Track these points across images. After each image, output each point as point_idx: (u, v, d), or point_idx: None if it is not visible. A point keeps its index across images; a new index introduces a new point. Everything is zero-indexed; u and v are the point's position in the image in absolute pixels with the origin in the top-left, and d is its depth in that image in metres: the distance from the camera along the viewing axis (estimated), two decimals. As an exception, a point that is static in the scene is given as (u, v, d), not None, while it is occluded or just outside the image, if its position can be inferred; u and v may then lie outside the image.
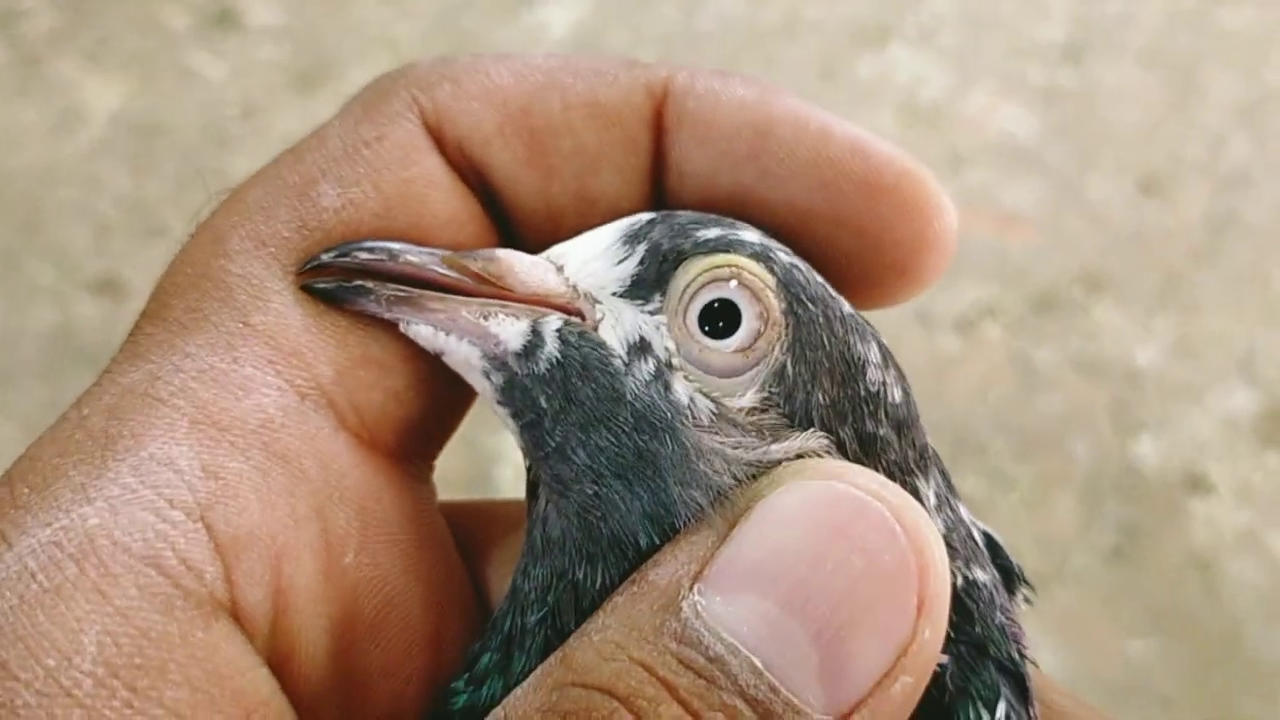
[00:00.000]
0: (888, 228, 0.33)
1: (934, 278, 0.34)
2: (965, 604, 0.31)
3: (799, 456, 0.30)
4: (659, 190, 0.35)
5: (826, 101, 1.48)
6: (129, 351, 0.30)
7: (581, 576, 0.30)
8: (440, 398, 0.33)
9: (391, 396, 0.32)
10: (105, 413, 0.29)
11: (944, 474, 0.33)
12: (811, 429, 0.30)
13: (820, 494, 0.28)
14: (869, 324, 0.32)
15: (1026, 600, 0.33)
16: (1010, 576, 0.33)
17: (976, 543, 0.32)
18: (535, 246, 0.33)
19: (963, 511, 0.32)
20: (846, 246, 0.33)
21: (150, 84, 1.52)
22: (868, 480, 0.28)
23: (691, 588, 0.27)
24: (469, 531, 0.36)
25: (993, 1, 1.67)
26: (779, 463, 0.30)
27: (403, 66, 0.34)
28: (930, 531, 0.28)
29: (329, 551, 0.30)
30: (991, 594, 0.31)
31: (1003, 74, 1.59)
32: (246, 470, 0.29)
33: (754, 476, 0.30)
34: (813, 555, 0.27)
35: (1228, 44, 1.62)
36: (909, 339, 1.31)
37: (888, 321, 1.42)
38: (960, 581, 0.30)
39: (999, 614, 0.31)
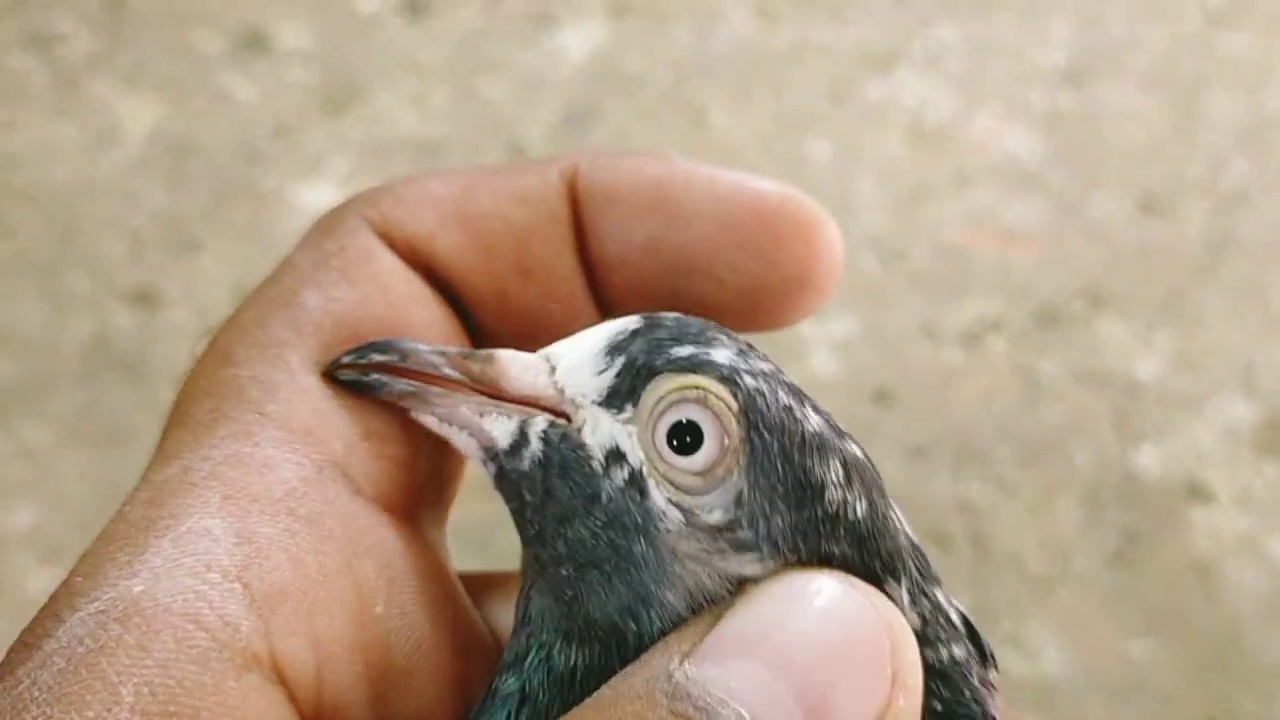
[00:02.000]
0: (780, 245, 0.37)
1: (827, 289, 0.37)
2: (943, 681, 0.32)
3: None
4: (584, 253, 0.38)
5: (836, 125, 1.57)
6: (160, 456, 0.32)
7: (557, 651, 0.32)
8: (438, 463, 0.36)
9: (396, 464, 0.34)
10: (145, 504, 0.31)
11: (921, 566, 0.33)
12: (780, 554, 0.32)
13: (801, 582, 0.30)
14: (839, 435, 0.33)
15: (990, 680, 0.34)
16: (983, 654, 0.34)
17: (954, 624, 0.33)
18: (487, 317, 0.38)
19: (939, 596, 0.33)
20: (750, 269, 0.37)
21: (184, 105, 1.56)
22: (842, 577, 0.31)
23: (682, 663, 0.29)
24: (479, 595, 0.38)
25: (997, 27, 1.69)
26: (752, 575, 0.31)
27: (349, 197, 0.38)
28: (898, 616, 0.30)
29: (359, 602, 0.31)
30: (966, 668, 0.33)
31: (1007, 97, 1.61)
32: (276, 534, 0.30)
33: (731, 579, 0.31)
34: (796, 624, 0.29)
35: (1228, 69, 1.64)
36: (916, 351, 1.33)
37: (894, 336, 1.44)
38: (934, 661, 0.32)
39: (972, 687, 0.33)
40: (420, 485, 0.36)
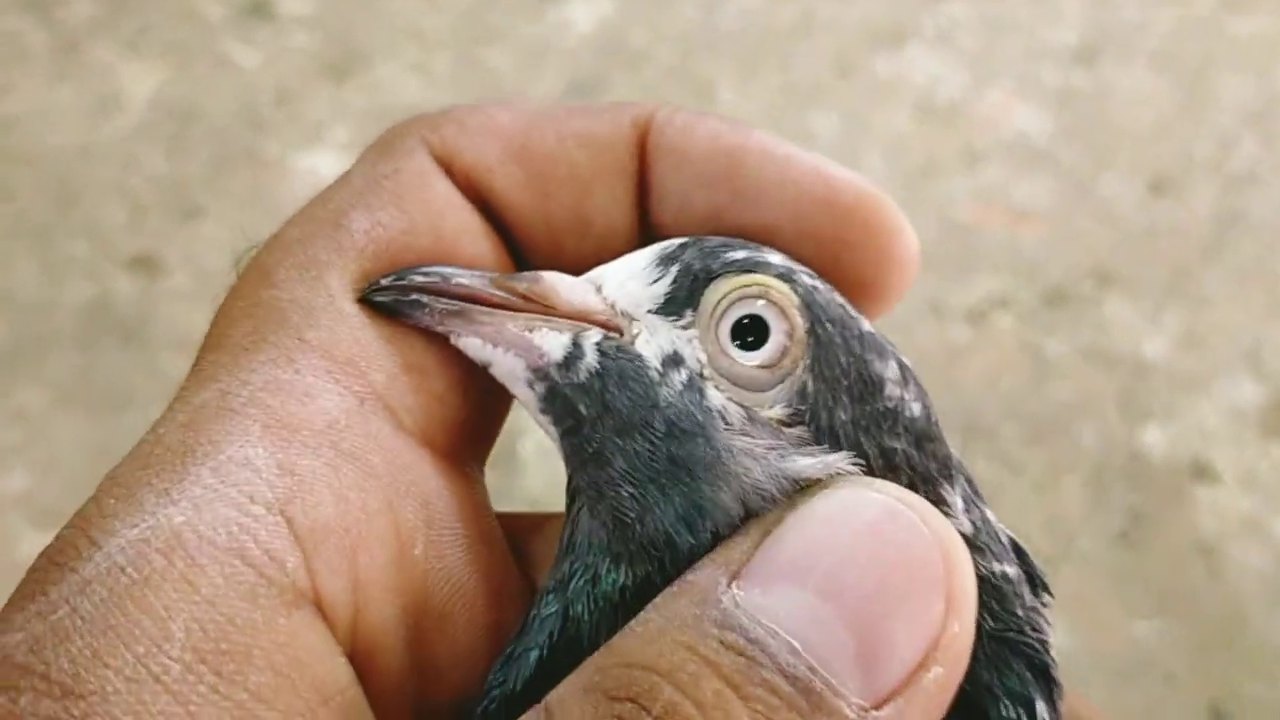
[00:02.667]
0: (849, 247, 0.35)
1: (897, 295, 0.36)
2: (994, 594, 0.32)
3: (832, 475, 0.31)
4: (643, 211, 0.37)
5: (844, 99, 1.55)
6: (195, 378, 0.32)
7: (604, 573, 0.31)
8: (479, 400, 0.35)
9: (435, 399, 0.34)
10: (181, 428, 0.30)
11: (970, 480, 0.34)
12: (841, 451, 0.31)
13: (852, 499, 0.29)
14: (888, 342, 0.33)
15: (1044, 605, 0.33)
16: (1034, 580, 0.33)
17: (1003, 544, 0.33)
18: (538, 265, 0.36)
19: (989, 513, 0.33)
20: (814, 264, 0.35)
21: (186, 71, 1.54)
22: (896, 489, 0.30)
23: (730, 584, 0.28)
24: (517, 537, 0.37)
25: (1009, 4, 1.68)
26: (808, 476, 0.31)
27: (412, 116, 0.37)
28: (955, 536, 0.29)
29: (400, 543, 0.31)
30: (1017, 588, 0.32)
31: (1018, 75, 1.59)
32: (319, 467, 0.30)
33: (785, 479, 0.31)
34: (847, 549, 0.28)
35: (1238, 50, 1.63)
36: (923, 329, 1.31)
37: (901, 312, 1.42)
38: (987, 573, 0.31)
39: (1025, 608, 0.32)
40: (462, 422, 0.35)
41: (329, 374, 0.32)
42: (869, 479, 0.31)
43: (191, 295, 1.30)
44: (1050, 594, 0.33)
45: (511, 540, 0.36)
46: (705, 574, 0.29)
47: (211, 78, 1.54)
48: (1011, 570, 0.32)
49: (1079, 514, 1.20)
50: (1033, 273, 1.38)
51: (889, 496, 0.29)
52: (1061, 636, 1.05)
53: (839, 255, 0.35)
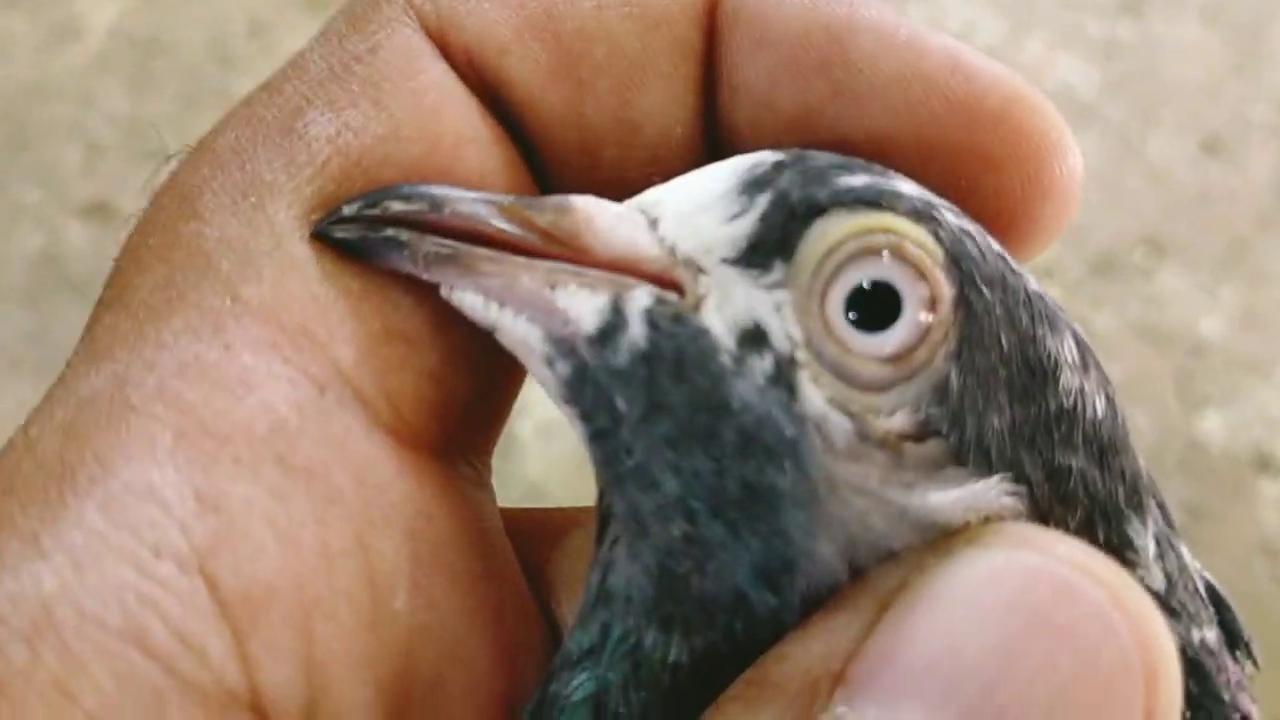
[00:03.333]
0: (992, 167, 0.27)
1: (1051, 236, 0.28)
2: (1194, 673, 0.25)
3: (980, 519, 0.24)
4: (711, 110, 0.29)
5: None
6: (85, 352, 0.25)
7: (650, 645, 0.24)
8: (485, 374, 0.28)
9: (426, 378, 0.26)
10: (60, 433, 0.23)
11: (1162, 506, 0.26)
12: (994, 475, 0.24)
13: (1010, 568, 0.22)
14: (1059, 306, 0.26)
15: (1246, 675, 0.27)
16: (1234, 638, 0.27)
17: (1202, 596, 0.26)
18: (567, 184, 0.28)
19: (1185, 554, 0.26)
20: (947, 182, 0.27)
21: None
22: (1071, 550, 0.22)
23: (832, 694, 0.22)
24: (532, 551, 0.30)
25: (1050, -54, 1.62)
26: (947, 517, 0.24)
27: None
28: (1158, 620, 0.22)
29: (374, 595, 0.24)
30: (1220, 660, 0.26)
31: (1059, 24, 1.53)
32: (257, 495, 0.23)
33: (912, 524, 0.24)
34: (1005, 652, 0.22)
35: (1297, 2, 1.58)
36: None
37: None
38: (1183, 644, 0.25)
39: (1231, 688, 0.26)
40: (462, 409, 0.27)
41: (274, 349, 0.25)
42: (1032, 530, 0.23)
43: None
44: (1255, 660, 0.27)
45: (522, 555, 0.29)
46: (796, 669, 0.23)
47: (179, 6, 1.47)
48: (1212, 636, 0.26)
49: None
50: (1079, 240, 1.31)
51: (1060, 563, 0.22)
52: None
53: (978, 178, 0.27)
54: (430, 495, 0.26)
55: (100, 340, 0.25)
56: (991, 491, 0.24)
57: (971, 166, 0.27)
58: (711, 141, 0.29)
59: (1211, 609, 0.26)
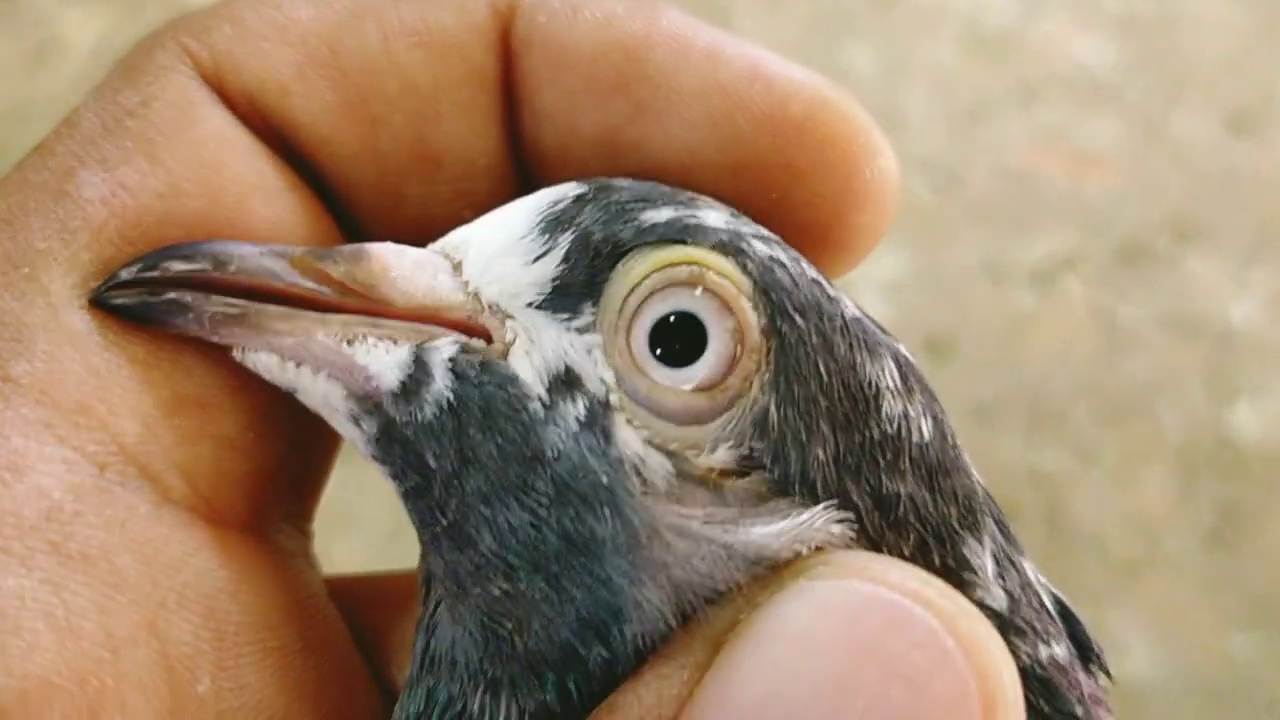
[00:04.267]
0: (801, 178, 0.27)
1: (872, 242, 0.28)
2: (1043, 690, 0.25)
3: (810, 550, 0.24)
4: (514, 136, 0.29)
5: (881, 30, 1.41)
6: None
7: (477, 710, 0.24)
8: (293, 437, 0.27)
9: (224, 447, 0.26)
10: None
11: (1000, 522, 0.26)
12: (818, 502, 0.24)
13: (839, 600, 0.22)
14: (876, 326, 0.25)
15: (1102, 690, 0.27)
16: (1087, 656, 0.26)
17: (1049, 611, 0.26)
18: (372, 227, 0.28)
19: (1028, 570, 0.26)
20: (755, 198, 0.27)
21: (135, 16, 1.43)
22: (903, 577, 0.22)
23: None
24: (370, 618, 0.29)
25: (1064, -80, 1.59)
26: (774, 551, 0.23)
27: (169, 21, 0.28)
28: (995, 644, 0.22)
29: (172, 681, 0.23)
30: (1071, 675, 0.25)
31: (1075, 1, 1.50)
32: (31, 587, 0.22)
33: (739, 562, 0.23)
34: (837, 688, 0.21)
35: (1323, -30, 1.53)
36: (979, 294, 1.21)
37: (953, 274, 1.36)
38: (1032, 663, 0.25)
39: (1084, 702, 0.25)
40: (269, 476, 0.26)
41: (47, 430, 0.24)
42: (862, 557, 0.23)
43: None
44: (1108, 674, 0.27)
45: (361, 622, 0.29)
46: (628, 714, 0.22)
47: (161, 23, 1.43)
48: (1061, 651, 0.26)
49: (1163, 509, 1.10)
50: (1101, 226, 1.28)
51: (890, 591, 0.22)
52: (1145, 654, 0.94)
53: (788, 190, 0.27)
54: (234, 571, 0.25)
55: None
56: (819, 520, 0.23)
57: (781, 179, 0.27)
58: (522, 169, 0.28)
59: (1060, 624, 0.26)
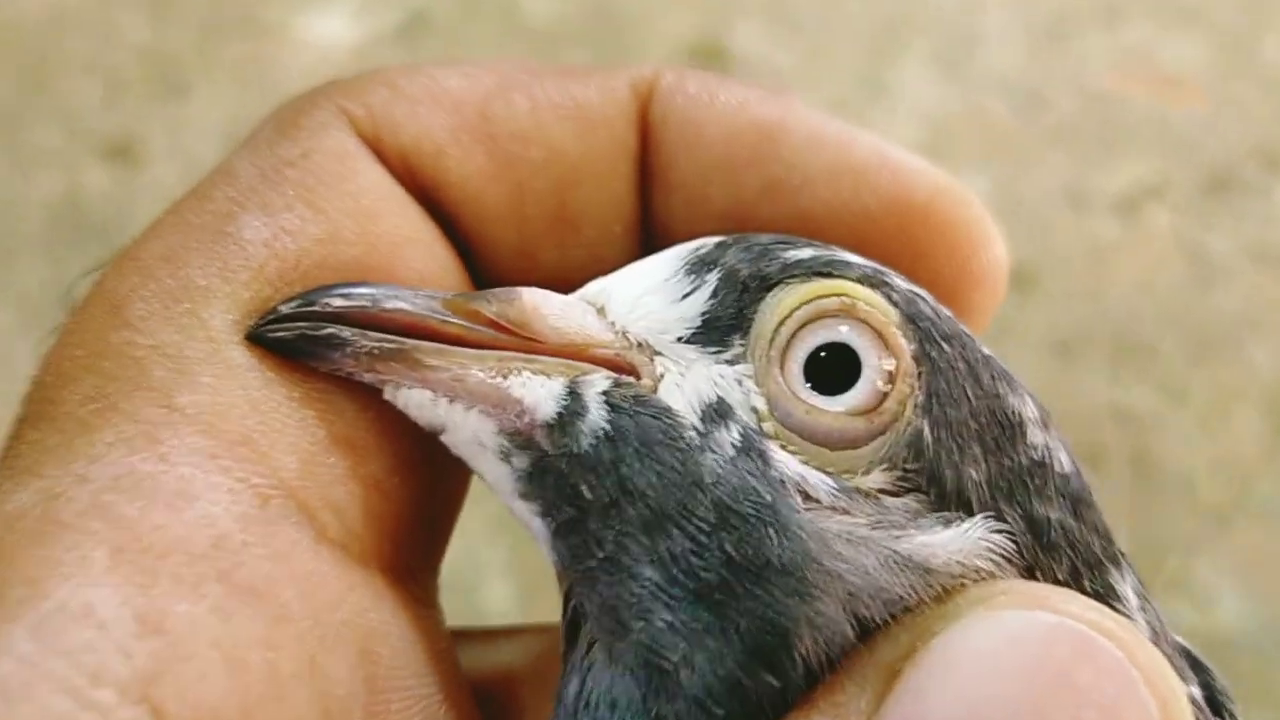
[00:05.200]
0: (921, 256, 0.30)
1: (983, 322, 0.30)
2: None
3: (969, 564, 0.24)
4: (645, 210, 0.31)
5: None
6: (6, 470, 0.24)
7: None
8: (430, 485, 0.28)
9: (372, 489, 0.26)
10: None
11: (1130, 564, 0.27)
12: (981, 515, 0.25)
13: (1027, 629, 0.23)
14: (1010, 371, 0.27)
15: None
16: (1215, 703, 0.27)
17: (1179, 652, 0.27)
18: (507, 282, 0.29)
19: (1161, 613, 0.27)
20: None
21: None
22: (1084, 609, 0.23)
23: None
24: (485, 677, 0.31)
25: None
26: (941, 563, 0.24)
27: (325, 83, 0.30)
28: (1173, 677, 0.23)
29: None
30: (1207, 715, 0.27)
31: None
32: (201, 614, 0.22)
33: (910, 568, 0.24)
34: (1030, 714, 0.22)
35: None
36: (1061, 223, 1.16)
37: (1034, 201, 1.31)
38: None
39: None
40: (408, 522, 0.27)
41: (213, 460, 0.24)
42: (1041, 588, 0.24)
43: (177, 190, 1.15)
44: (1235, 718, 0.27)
45: (477, 685, 0.29)
46: None
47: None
48: (1196, 692, 0.26)
49: (1256, 452, 1.05)
50: (1189, 153, 1.22)
51: (1075, 622, 0.23)
52: (1234, 605, 0.89)
53: (910, 268, 0.29)
54: (384, 613, 0.26)
55: (24, 457, 0.24)
56: (979, 530, 0.25)
57: (903, 258, 0.29)
58: (647, 239, 0.30)
59: (1190, 671, 0.27)
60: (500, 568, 0.91)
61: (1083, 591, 0.25)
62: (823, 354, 0.25)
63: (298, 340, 0.26)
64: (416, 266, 0.28)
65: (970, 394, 0.25)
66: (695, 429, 0.25)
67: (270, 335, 0.26)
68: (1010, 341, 1.05)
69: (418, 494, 0.27)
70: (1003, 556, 0.25)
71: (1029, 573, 0.25)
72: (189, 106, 1.25)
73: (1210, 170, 1.21)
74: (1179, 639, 0.28)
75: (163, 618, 0.22)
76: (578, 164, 0.30)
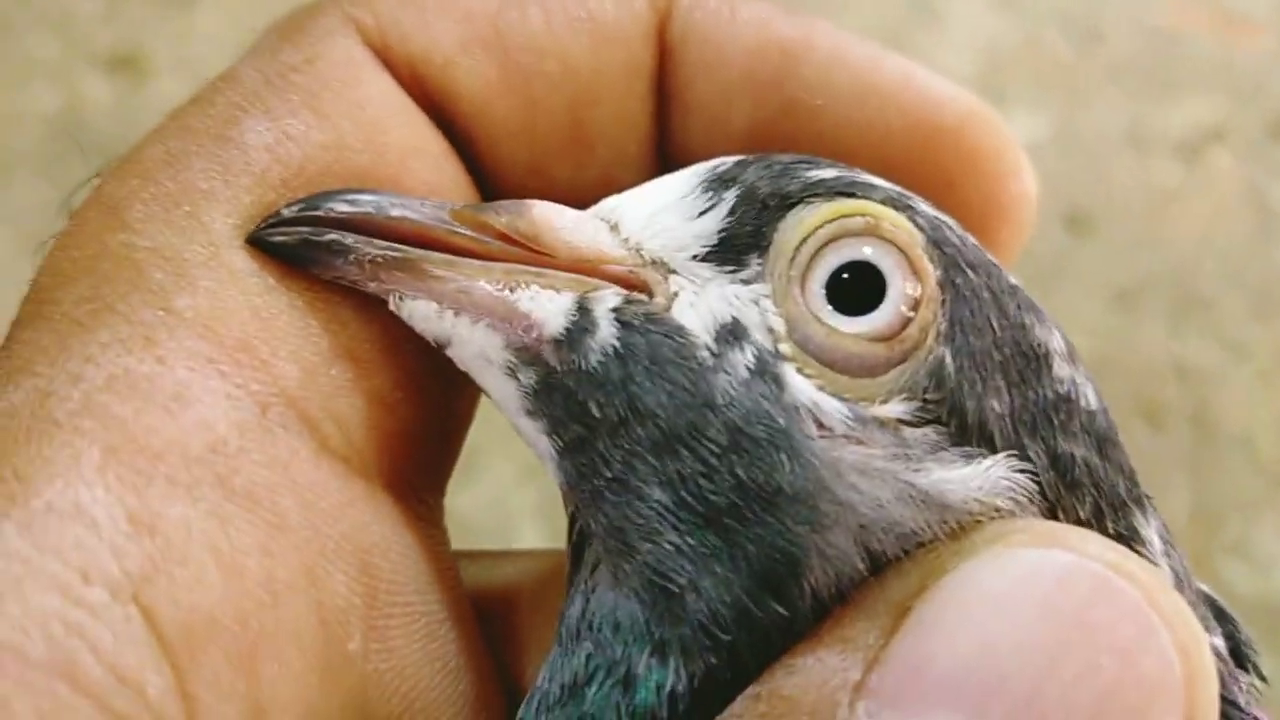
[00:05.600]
0: (947, 184, 0.29)
1: (1005, 255, 0.29)
2: None
3: (988, 502, 0.24)
4: (662, 129, 0.31)
5: None
6: (4, 368, 0.24)
7: (642, 672, 0.23)
8: (437, 402, 0.28)
9: (376, 403, 0.26)
10: None
11: (1155, 508, 0.27)
12: (1000, 453, 0.24)
13: (1043, 567, 0.22)
14: (1037, 302, 0.26)
15: (1254, 688, 0.26)
16: (1238, 649, 0.26)
17: (1204, 601, 0.26)
18: (516, 197, 0.28)
19: (1186, 559, 0.26)
20: None
21: None
22: (1102, 549, 0.22)
23: (854, 706, 0.21)
24: (487, 598, 0.30)
25: None
26: (959, 500, 0.24)
27: None
28: (1194, 621, 0.22)
29: (325, 636, 0.24)
30: (1229, 667, 0.26)
31: None
32: (196, 518, 0.22)
33: (926, 502, 0.23)
34: (1046, 655, 0.21)
35: None
36: (1120, 166, 1.11)
37: (1093, 140, 1.26)
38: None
39: (1243, 692, 0.25)
40: (414, 439, 0.27)
41: (211, 364, 0.24)
42: (1059, 527, 0.23)
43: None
44: (1263, 676, 0.26)
45: (478, 603, 0.29)
46: (809, 682, 0.22)
47: None
48: (1220, 643, 0.26)
49: None
50: (1253, 95, 1.17)
51: (1094, 562, 0.22)
52: None
53: (934, 196, 0.28)
54: (386, 528, 0.26)
55: (18, 356, 0.24)
56: (1000, 469, 0.24)
57: (929, 183, 0.28)
58: (663, 158, 0.30)
59: (1214, 621, 0.26)
60: (531, 512, 0.87)
61: (1105, 533, 0.25)
62: (845, 275, 0.25)
63: (300, 245, 0.25)
64: (424, 178, 0.28)
65: (995, 324, 0.25)
66: (708, 349, 0.24)
67: (272, 239, 0.25)
68: (1066, 287, 1.02)
69: (423, 410, 0.27)
70: (1025, 496, 0.24)
71: (1050, 512, 0.25)
72: (195, 16, 1.19)
73: (1275, 113, 1.16)
74: (1204, 587, 0.27)
75: (156, 519, 0.22)
76: (592, 80, 0.29)
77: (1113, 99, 1.16)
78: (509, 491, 0.86)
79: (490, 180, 0.30)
